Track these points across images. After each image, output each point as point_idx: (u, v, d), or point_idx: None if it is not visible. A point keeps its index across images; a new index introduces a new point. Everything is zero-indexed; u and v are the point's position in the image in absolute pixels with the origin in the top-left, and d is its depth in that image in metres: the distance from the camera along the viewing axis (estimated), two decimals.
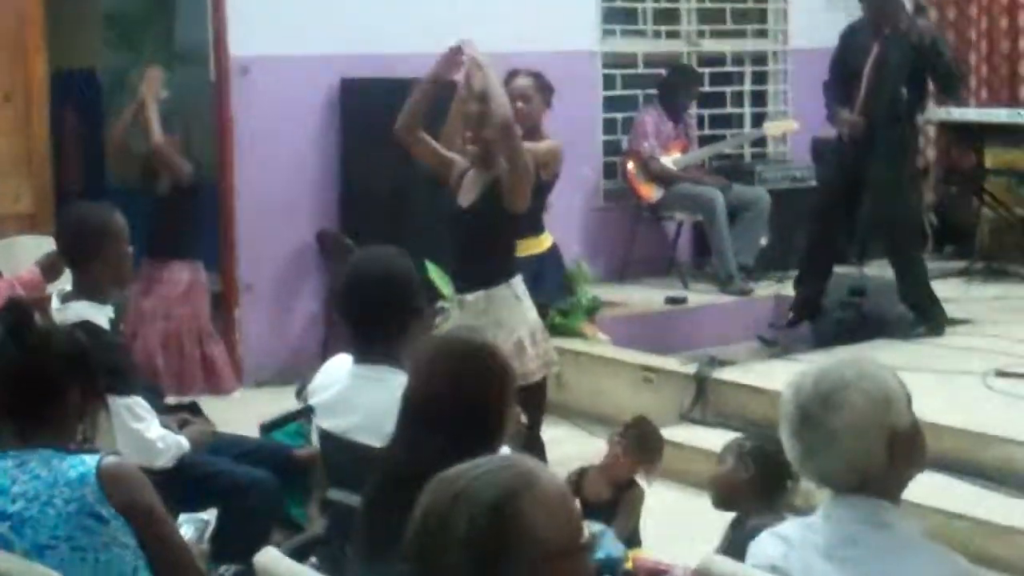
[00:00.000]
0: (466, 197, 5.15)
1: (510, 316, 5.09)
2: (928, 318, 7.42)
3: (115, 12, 10.27)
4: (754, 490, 3.77)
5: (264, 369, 7.86)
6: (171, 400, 6.67)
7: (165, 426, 4.16)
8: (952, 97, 7.96)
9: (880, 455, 2.40)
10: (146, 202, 7.06)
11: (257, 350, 7.70)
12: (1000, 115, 9.19)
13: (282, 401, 6.59)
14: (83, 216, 4.34)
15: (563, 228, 7.56)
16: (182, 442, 4.14)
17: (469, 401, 2.68)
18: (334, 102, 8.18)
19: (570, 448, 6.26)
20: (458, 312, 5.15)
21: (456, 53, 5.18)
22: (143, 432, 4.00)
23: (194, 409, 6.08)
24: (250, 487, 4.17)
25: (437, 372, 2.73)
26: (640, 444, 4.71)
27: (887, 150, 7.28)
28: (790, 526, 2.56)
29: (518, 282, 5.17)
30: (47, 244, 5.74)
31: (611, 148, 9.40)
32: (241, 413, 6.64)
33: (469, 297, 5.09)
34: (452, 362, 2.73)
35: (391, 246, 3.63)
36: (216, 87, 7.92)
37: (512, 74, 6.66)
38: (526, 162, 4.95)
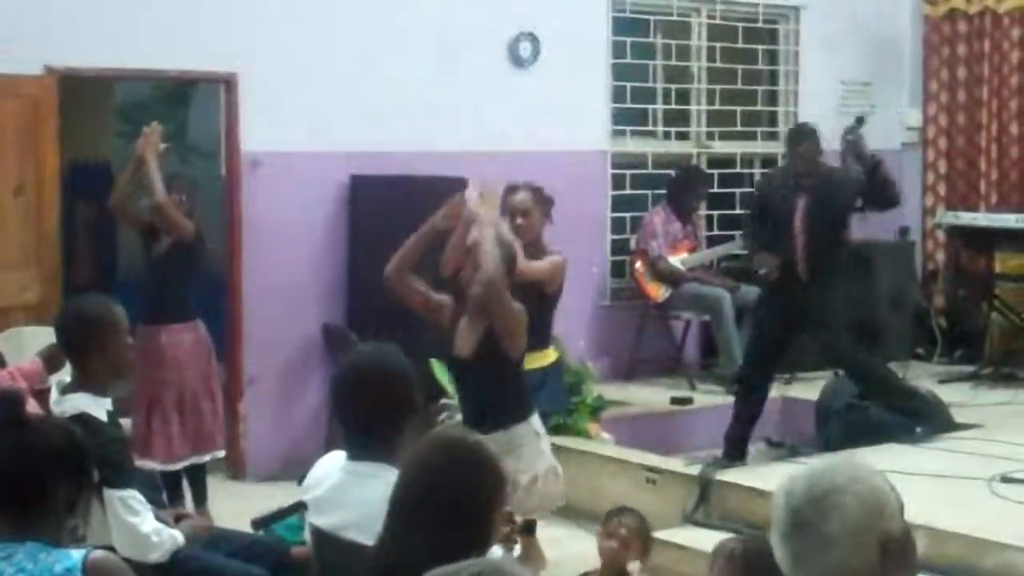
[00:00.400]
0: (464, 346, 5.13)
1: (530, 453, 5.11)
2: (918, 414, 7.37)
3: (129, 105, 10.39)
4: None
5: (267, 463, 7.82)
6: (178, 465, 6.70)
7: (161, 520, 4.14)
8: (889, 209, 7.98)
9: (873, 560, 2.36)
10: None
11: (260, 444, 7.67)
12: (1009, 220, 9.20)
13: (283, 495, 6.57)
14: (82, 308, 4.35)
15: (570, 326, 7.58)
16: (177, 536, 4.11)
17: (458, 500, 2.65)
18: (343, 198, 8.24)
19: (572, 547, 6.20)
20: None
21: (457, 204, 5.16)
22: (138, 526, 3.98)
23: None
24: None
25: (427, 469, 2.71)
26: (632, 528, 4.69)
27: (829, 282, 7.27)
28: None
29: (536, 420, 5.19)
30: (52, 335, 5.76)
31: (619, 247, 9.44)
32: (246, 506, 6.61)
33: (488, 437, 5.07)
34: (442, 460, 2.71)
35: (389, 343, 3.63)
36: (227, 181, 7.98)
37: (511, 189, 6.66)
38: (513, 311, 4.99)
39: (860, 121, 7.40)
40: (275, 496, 6.75)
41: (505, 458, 4.83)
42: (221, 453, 7.07)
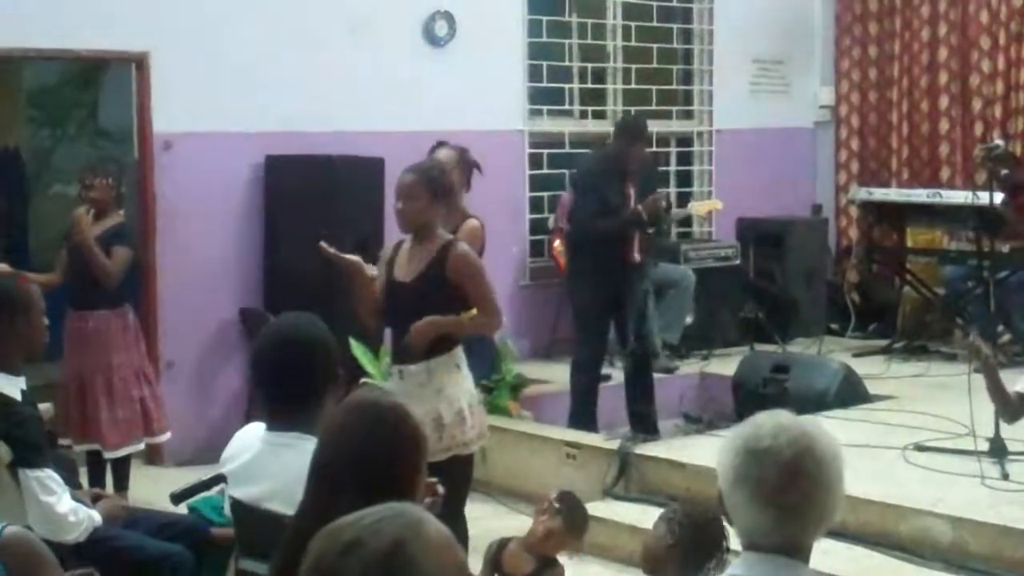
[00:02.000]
0: (405, 270, 5.15)
1: (452, 386, 5.09)
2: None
3: (38, 90, 10.23)
4: (681, 557, 3.75)
5: (185, 448, 7.74)
6: (112, 454, 6.63)
7: (78, 500, 4.09)
8: None
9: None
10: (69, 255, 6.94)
11: (178, 429, 7.58)
12: (921, 195, 9.34)
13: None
14: None
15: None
16: (94, 516, 4.07)
17: (379, 465, 2.63)
18: (258, 179, 8.17)
19: (493, 524, 6.21)
20: (399, 382, 5.12)
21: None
22: (54, 505, 3.93)
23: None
24: (163, 560, 4.10)
25: (346, 435, 2.68)
26: (569, 519, 4.66)
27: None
28: None
29: (458, 352, 5.18)
30: None
31: (538, 227, 9.46)
32: (162, 489, 6.55)
33: (411, 368, 5.08)
34: (361, 425, 2.68)
35: (309, 313, 3.60)
36: (139, 163, 7.88)
37: (438, 144, 6.69)
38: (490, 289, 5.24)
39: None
40: (192, 481, 6.73)
41: (425, 391, 4.91)
42: (164, 437, 7.01)
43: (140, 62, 7.75)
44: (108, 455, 6.69)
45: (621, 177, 7.59)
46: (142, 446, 6.95)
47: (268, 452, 3.33)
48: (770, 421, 2.51)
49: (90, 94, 10.13)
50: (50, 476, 3.93)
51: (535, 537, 4.63)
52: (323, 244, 5.23)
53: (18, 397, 4.02)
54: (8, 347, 4.08)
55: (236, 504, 3.39)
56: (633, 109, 9.96)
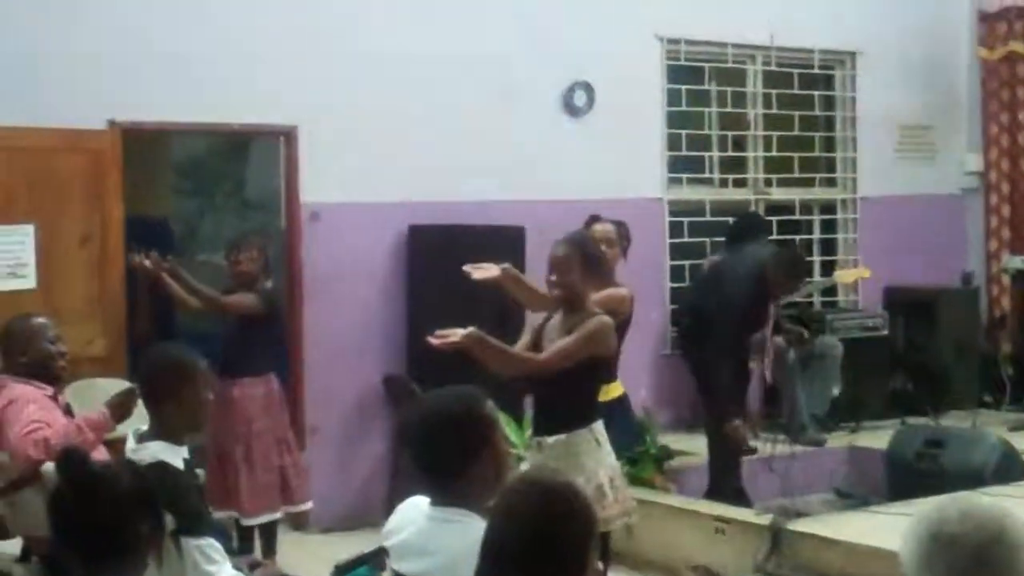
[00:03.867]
0: (549, 342, 5.15)
1: (590, 460, 5.05)
2: None
3: (187, 161, 10.44)
4: None
5: (330, 514, 7.77)
6: (249, 521, 6.66)
7: (237, 568, 4.09)
8: None
9: None
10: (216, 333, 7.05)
11: (323, 495, 7.62)
12: None
13: (346, 546, 6.51)
14: (163, 357, 4.32)
15: (631, 376, 7.49)
16: None
17: (551, 545, 2.58)
18: (401, 248, 8.23)
19: None
20: (537, 455, 5.10)
21: None
22: (215, 574, 3.93)
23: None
24: None
25: (518, 513, 2.64)
26: None
27: None
28: None
29: (599, 427, 5.16)
30: (119, 386, 5.75)
31: (678, 296, 9.36)
32: (309, 557, 6.57)
33: (549, 440, 5.07)
34: (534, 503, 2.63)
35: (466, 386, 3.56)
36: (287, 233, 7.99)
37: (593, 219, 6.69)
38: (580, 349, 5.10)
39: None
40: (338, 547, 6.71)
41: (564, 465, 4.84)
42: (306, 506, 7.05)
43: (288, 135, 7.88)
44: (246, 522, 6.73)
45: (765, 302, 7.51)
46: (279, 514, 6.97)
47: (432, 527, 3.28)
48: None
49: (237, 165, 10.31)
50: (211, 545, 3.94)
51: None
52: (466, 268, 5.30)
53: (180, 466, 4.04)
54: (173, 417, 4.12)
55: None
56: (775, 177, 9.86)
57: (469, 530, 3.09)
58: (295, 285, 7.92)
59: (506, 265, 5.62)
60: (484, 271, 5.60)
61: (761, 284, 7.44)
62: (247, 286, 6.91)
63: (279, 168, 8.12)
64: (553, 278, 5.22)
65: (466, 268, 5.63)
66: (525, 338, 5.37)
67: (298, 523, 7.66)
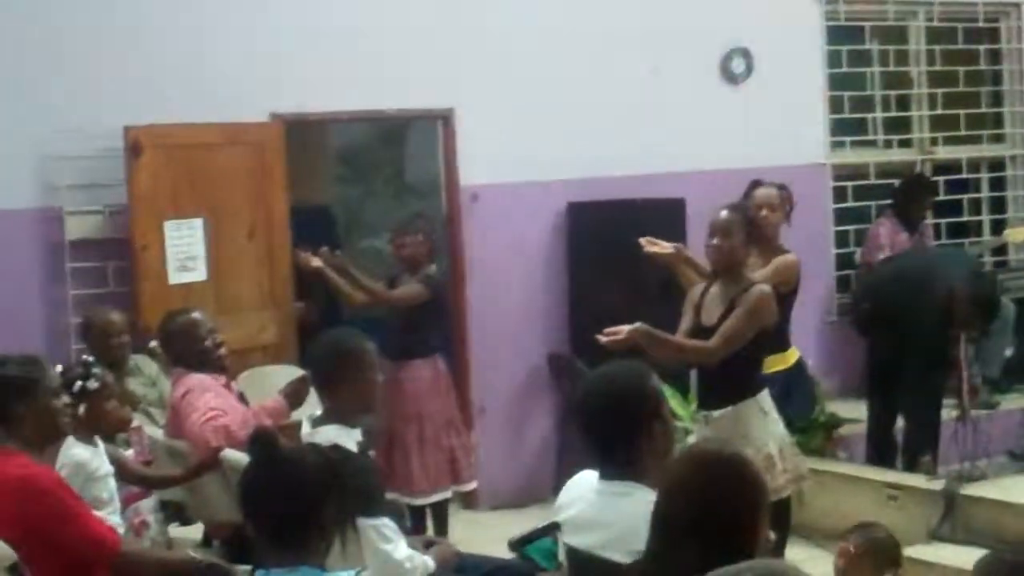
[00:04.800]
0: (710, 314, 5.17)
1: (758, 431, 5.06)
2: None
3: (346, 148, 10.62)
4: None
5: (499, 492, 7.87)
6: (419, 501, 6.79)
7: (412, 547, 4.18)
8: None
9: None
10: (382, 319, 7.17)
11: (492, 473, 7.71)
12: None
13: (517, 523, 6.60)
14: (336, 343, 4.44)
15: (798, 343, 7.39)
16: (428, 562, 4.16)
17: (721, 515, 2.61)
18: (561, 226, 8.26)
19: (812, 569, 5.98)
20: (704, 428, 5.12)
21: None
22: (392, 553, 4.03)
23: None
24: None
25: (689, 485, 2.68)
26: (872, 549, 4.47)
27: None
28: None
29: (765, 396, 5.15)
30: (291, 373, 5.91)
31: (844, 261, 9.23)
32: (480, 534, 6.67)
33: (715, 413, 5.10)
34: (704, 474, 2.67)
35: (632, 361, 3.60)
36: (447, 216, 8.08)
37: (755, 184, 6.64)
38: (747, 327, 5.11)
39: None
40: (508, 524, 6.81)
41: (730, 436, 4.83)
42: (471, 485, 7.16)
43: (446, 118, 7.96)
44: (418, 502, 6.84)
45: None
46: (450, 493, 7.08)
47: (603, 501, 3.33)
48: None
49: (395, 151, 10.45)
50: (386, 524, 4.03)
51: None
52: (642, 240, 5.32)
53: (354, 448, 4.14)
54: (346, 401, 4.23)
55: (572, 552, 3.41)
56: (940, 136, 9.64)
57: (639, 502, 3.13)
58: (457, 267, 8.01)
59: (679, 244, 5.65)
60: (658, 246, 5.63)
61: (948, 321, 7.12)
62: (412, 270, 7.02)
63: (437, 151, 8.21)
64: (715, 242, 5.23)
65: (642, 240, 5.66)
66: (687, 318, 5.38)
67: (468, 502, 7.77)
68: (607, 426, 3.41)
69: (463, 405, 7.57)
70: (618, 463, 3.36)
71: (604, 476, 3.37)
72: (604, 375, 3.59)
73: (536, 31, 8.15)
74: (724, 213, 5.27)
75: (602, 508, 3.32)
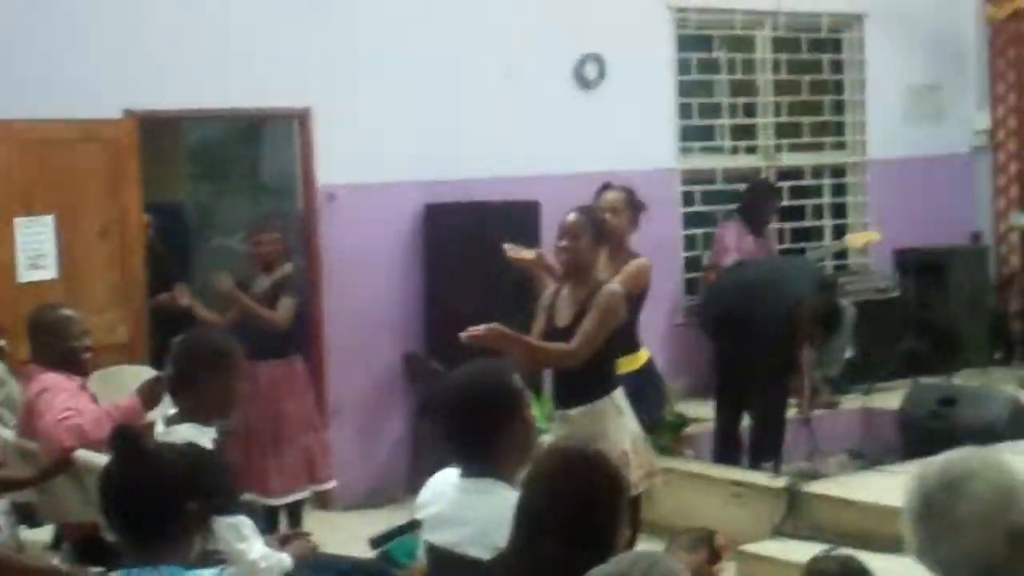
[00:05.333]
0: (562, 316, 5.28)
1: (614, 428, 5.18)
2: None
3: (201, 146, 10.53)
4: None
5: (353, 492, 7.90)
6: (276, 501, 6.78)
7: (268, 544, 4.20)
8: None
9: (999, 550, 2.37)
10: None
11: (346, 473, 7.74)
12: None
13: (371, 523, 6.65)
14: (205, 342, 4.45)
15: (647, 344, 7.58)
16: (284, 559, 4.18)
17: (583, 510, 2.70)
18: (418, 227, 8.33)
19: None
20: (561, 426, 5.22)
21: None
22: (246, 553, 4.04)
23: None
24: None
25: (551, 482, 2.76)
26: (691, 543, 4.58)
27: None
28: None
29: (619, 395, 5.28)
30: (144, 373, 5.87)
31: (693, 264, 9.45)
32: (334, 534, 6.69)
33: (572, 411, 5.19)
34: (566, 471, 2.76)
35: (493, 359, 3.67)
36: (304, 215, 8.08)
37: (604, 187, 6.77)
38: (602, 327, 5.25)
39: None
40: (362, 524, 6.85)
41: (587, 435, 4.95)
42: (329, 485, 7.18)
43: (303, 117, 7.96)
44: (273, 502, 6.84)
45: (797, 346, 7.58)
46: (308, 493, 7.10)
47: (464, 498, 3.40)
48: (953, 454, 2.56)
49: (250, 149, 10.40)
50: (243, 522, 4.05)
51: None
52: (506, 246, 5.43)
53: (209, 447, 4.15)
54: (203, 400, 4.23)
55: (432, 549, 3.46)
56: (785, 143, 9.92)
57: (500, 499, 3.21)
58: (313, 267, 8.02)
59: (541, 250, 5.76)
60: (520, 253, 5.74)
61: (792, 330, 7.43)
62: (267, 269, 7.02)
63: (294, 150, 8.21)
64: (563, 244, 5.34)
65: (505, 246, 5.77)
66: (539, 322, 5.50)
67: (322, 502, 7.78)
68: (467, 424, 3.47)
69: (319, 405, 7.58)
70: (478, 461, 3.42)
71: (465, 474, 3.44)
72: (465, 373, 3.65)
73: (393, 33, 8.21)
74: (572, 215, 5.40)
75: (462, 505, 3.38)
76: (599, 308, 5.23)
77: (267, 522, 6.69)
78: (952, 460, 2.47)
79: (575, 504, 2.69)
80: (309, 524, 7.15)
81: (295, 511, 6.96)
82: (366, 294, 8.11)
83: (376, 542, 3.76)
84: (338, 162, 8.00)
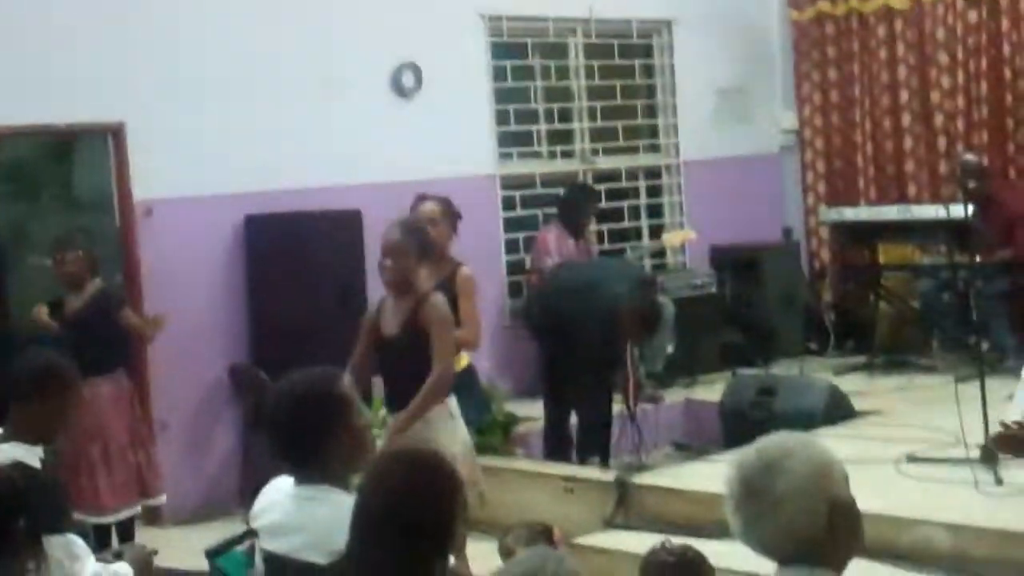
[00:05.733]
0: (390, 325, 5.34)
1: (446, 434, 5.24)
2: None
3: (11, 165, 10.25)
4: None
5: (183, 507, 7.80)
6: (109, 519, 6.67)
7: (103, 559, 4.14)
8: None
9: (820, 523, 2.46)
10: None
11: (175, 488, 7.63)
12: (891, 212, 9.52)
13: (201, 538, 6.58)
14: (39, 360, 4.37)
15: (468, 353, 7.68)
16: (120, 571, 4.11)
17: (422, 511, 2.73)
18: (239, 239, 8.27)
19: (495, 562, 6.27)
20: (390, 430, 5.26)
21: None
22: (79, 572, 3.98)
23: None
24: None
25: (389, 484, 2.78)
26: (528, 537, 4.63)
27: None
28: None
29: (453, 402, 5.37)
30: None
31: (515, 268, 9.56)
32: (166, 550, 6.59)
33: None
34: (404, 473, 2.79)
35: (323, 367, 3.69)
36: (121, 231, 7.95)
37: (420, 198, 6.82)
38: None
39: None
40: (194, 539, 6.77)
41: (418, 439, 5.02)
42: (161, 500, 7.09)
43: (117, 132, 7.84)
44: (104, 519, 6.73)
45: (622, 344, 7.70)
46: (138, 509, 7.00)
47: (299, 506, 3.41)
48: (769, 438, 2.61)
49: (63, 166, 10.15)
50: (74, 541, 3.98)
51: None
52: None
53: (37, 465, 4.08)
54: (34, 420, 4.16)
55: (270, 557, 3.47)
56: (600, 147, 10.11)
57: (335, 505, 3.24)
58: (133, 282, 7.90)
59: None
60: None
61: (615, 330, 7.55)
62: (76, 287, 6.91)
63: (109, 166, 8.07)
64: (388, 263, 5.41)
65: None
66: (361, 345, 5.57)
67: (152, 518, 7.65)
68: (294, 431, 3.48)
69: (145, 420, 7.47)
70: (309, 468, 3.44)
71: (299, 481, 3.45)
72: (290, 383, 3.65)
73: (208, 44, 8.14)
74: (396, 234, 5.48)
75: (298, 513, 3.39)
76: (435, 322, 5.35)
77: (98, 541, 6.58)
78: (768, 443, 2.56)
79: (413, 505, 2.73)
80: (140, 540, 7.04)
81: (127, 528, 6.84)
82: (189, 307, 8.00)
83: (213, 553, 3.73)
84: (155, 176, 7.90)
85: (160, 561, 5.43)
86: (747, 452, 2.55)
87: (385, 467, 2.85)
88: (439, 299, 5.46)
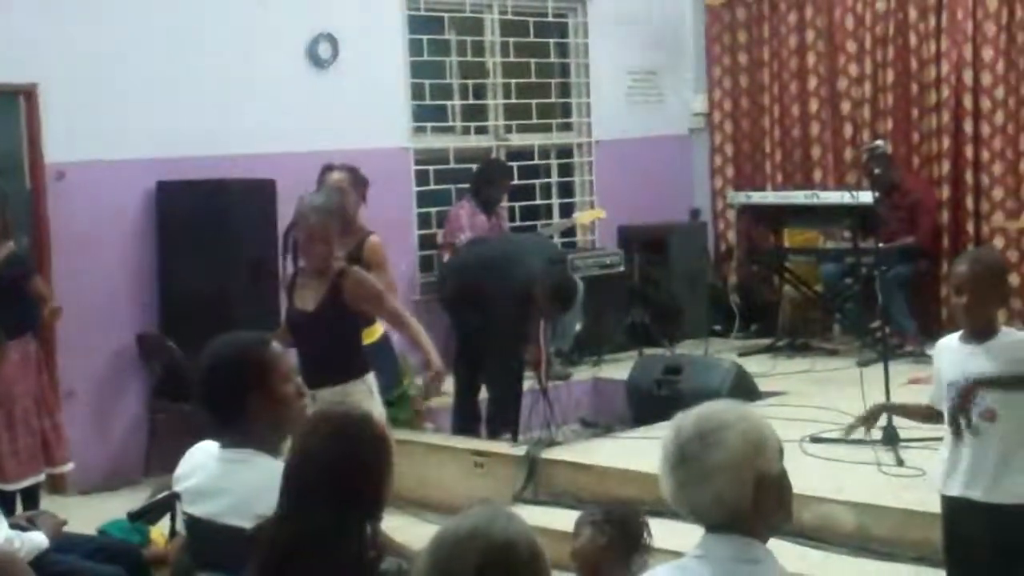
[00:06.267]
0: (306, 299, 5.36)
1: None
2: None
3: None
4: (615, 554, 3.89)
5: (88, 476, 7.73)
6: (13, 486, 6.60)
7: (16, 525, 4.12)
8: None
9: (747, 494, 2.55)
10: None
11: (81, 457, 7.55)
12: (798, 197, 9.67)
13: (107, 507, 6.59)
14: None
15: (383, 322, 7.69)
16: (35, 538, 4.10)
17: (352, 473, 2.77)
18: (151, 205, 8.20)
19: (403, 537, 6.30)
20: (313, 406, 5.25)
21: None
22: None
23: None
24: None
25: (319, 446, 2.82)
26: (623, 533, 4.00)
27: None
28: (664, 571, 2.69)
29: (371, 378, 5.38)
30: None
31: (427, 242, 9.59)
32: (71, 519, 6.56)
33: (325, 392, 5.25)
34: (330, 434, 2.82)
35: (244, 332, 3.70)
36: (32, 194, 7.85)
37: (327, 168, 6.84)
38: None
39: None
40: (99, 508, 6.75)
41: None
42: (67, 467, 7.02)
43: (28, 93, 7.73)
44: (10, 487, 6.66)
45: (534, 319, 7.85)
46: (43, 477, 6.93)
47: (223, 468, 3.42)
48: (709, 406, 2.68)
49: None
50: None
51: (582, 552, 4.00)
52: None
53: None
54: None
55: (193, 521, 3.47)
56: (514, 124, 10.16)
57: (260, 468, 3.27)
58: (42, 246, 7.79)
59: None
60: None
61: (528, 305, 7.65)
62: None
63: (20, 128, 7.95)
64: (315, 249, 5.46)
65: None
66: (283, 328, 5.64)
67: (57, 486, 7.58)
68: (214, 396, 3.50)
69: (52, 387, 7.38)
70: (233, 432, 3.45)
71: (224, 445, 3.47)
72: (211, 348, 3.66)
73: (125, 8, 8.05)
74: (316, 217, 5.51)
75: (222, 476, 3.40)
76: (370, 297, 5.56)
77: (3, 507, 6.51)
78: (707, 411, 2.63)
79: (344, 467, 2.77)
80: (45, 508, 6.98)
81: (32, 495, 6.77)
82: (98, 273, 7.94)
83: (135, 516, 3.74)
84: (67, 139, 7.80)
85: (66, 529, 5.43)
86: (686, 418, 2.62)
87: (317, 429, 2.89)
88: (360, 275, 5.52)
